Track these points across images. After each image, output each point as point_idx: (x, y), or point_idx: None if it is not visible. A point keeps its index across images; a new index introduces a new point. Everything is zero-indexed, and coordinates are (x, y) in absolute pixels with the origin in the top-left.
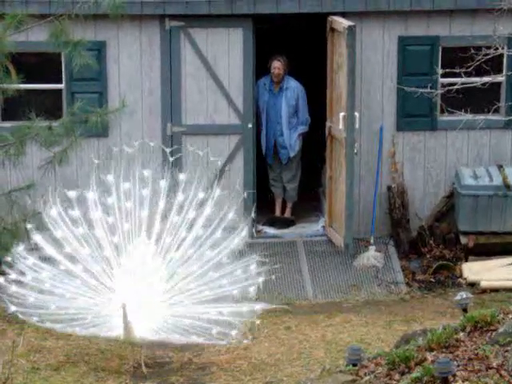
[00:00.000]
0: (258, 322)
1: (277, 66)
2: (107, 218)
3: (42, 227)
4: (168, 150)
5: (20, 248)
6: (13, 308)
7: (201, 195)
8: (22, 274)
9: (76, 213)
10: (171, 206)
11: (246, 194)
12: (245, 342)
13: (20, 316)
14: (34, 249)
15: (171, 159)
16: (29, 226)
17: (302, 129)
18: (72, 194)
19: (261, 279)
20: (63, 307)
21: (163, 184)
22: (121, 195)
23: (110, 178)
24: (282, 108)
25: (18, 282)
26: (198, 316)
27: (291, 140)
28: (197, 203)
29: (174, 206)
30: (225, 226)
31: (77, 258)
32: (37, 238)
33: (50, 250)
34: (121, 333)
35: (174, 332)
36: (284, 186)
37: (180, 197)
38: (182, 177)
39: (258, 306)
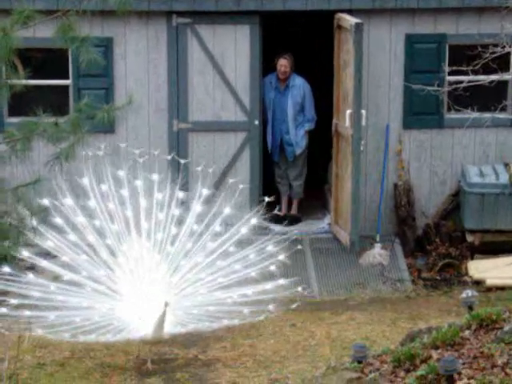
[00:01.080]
0: (300, 288)
1: (283, 63)
2: (93, 220)
3: (47, 222)
4: (137, 152)
5: (6, 269)
6: (40, 331)
7: (180, 194)
8: (25, 296)
9: (58, 220)
10: (152, 204)
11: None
12: (293, 306)
13: (51, 336)
14: (25, 268)
15: (140, 160)
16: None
17: (308, 126)
18: (45, 201)
19: (281, 257)
20: (87, 318)
21: (139, 184)
22: (99, 197)
23: (86, 180)
24: (288, 106)
25: (23, 306)
26: (221, 301)
27: (297, 137)
28: (178, 202)
29: (153, 204)
30: (224, 219)
31: (75, 266)
32: (25, 253)
33: (44, 263)
34: (148, 332)
35: (200, 321)
36: (290, 183)
37: (158, 196)
38: (154, 177)
39: (281, 281)
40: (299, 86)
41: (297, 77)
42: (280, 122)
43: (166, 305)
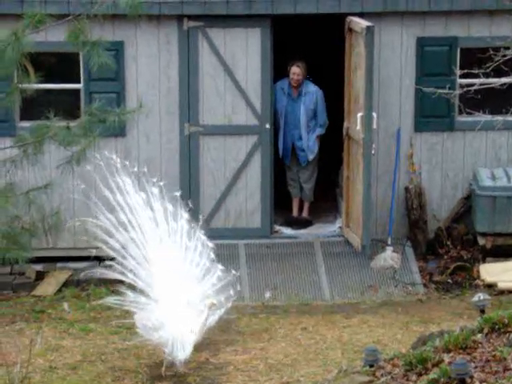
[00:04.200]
0: (233, 271)
1: (296, 71)
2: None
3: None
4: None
5: (130, 294)
6: (186, 353)
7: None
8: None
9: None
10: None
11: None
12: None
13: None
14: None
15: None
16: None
17: (320, 131)
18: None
19: (210, 244)
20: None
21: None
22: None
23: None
24: (301, 113)
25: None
26: (207, 292)
27: (309, 143)
28: (133, 203)
29: (123, 207)
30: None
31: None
32: (131, 295)
33: (140, 283)
34: (195, 338)
35: (210, 315)
36: (301, 185)
37: (118, 198)
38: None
39: (220, 265)
40: (312, 94)
41: (309, 84)
42: (292, 128)
43: (213, 305)
